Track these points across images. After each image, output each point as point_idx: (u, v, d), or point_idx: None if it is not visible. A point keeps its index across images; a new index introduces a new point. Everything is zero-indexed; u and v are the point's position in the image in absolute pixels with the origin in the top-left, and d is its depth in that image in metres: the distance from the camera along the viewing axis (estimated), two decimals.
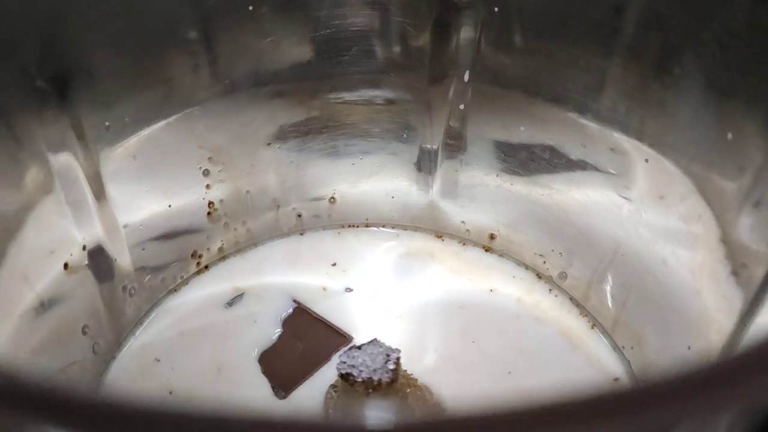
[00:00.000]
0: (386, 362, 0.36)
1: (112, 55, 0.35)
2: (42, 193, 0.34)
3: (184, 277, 0.44)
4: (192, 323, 0.42)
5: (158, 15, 0.35)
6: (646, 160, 0.38)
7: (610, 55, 0.38)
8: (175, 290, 0.44)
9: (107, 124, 0.36)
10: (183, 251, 0.44)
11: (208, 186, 0.43)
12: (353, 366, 0.36)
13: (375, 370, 0.35)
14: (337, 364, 0.36)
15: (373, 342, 0.37)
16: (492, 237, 0.47)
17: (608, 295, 0.42)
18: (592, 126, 0.40)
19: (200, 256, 0.45)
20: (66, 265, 0.35)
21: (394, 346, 0.37)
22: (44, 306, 0.33)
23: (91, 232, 0.37)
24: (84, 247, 0.37)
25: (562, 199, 0.43)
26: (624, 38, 0.36)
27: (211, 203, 0.44)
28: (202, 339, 0.41)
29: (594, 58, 0.38)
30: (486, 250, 0.47)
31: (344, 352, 0.36)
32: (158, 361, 0.40)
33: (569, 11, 0.38)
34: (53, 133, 0.33)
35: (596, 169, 0.40)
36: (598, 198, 0.41)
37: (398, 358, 0.36)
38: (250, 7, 0.39)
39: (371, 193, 0.48)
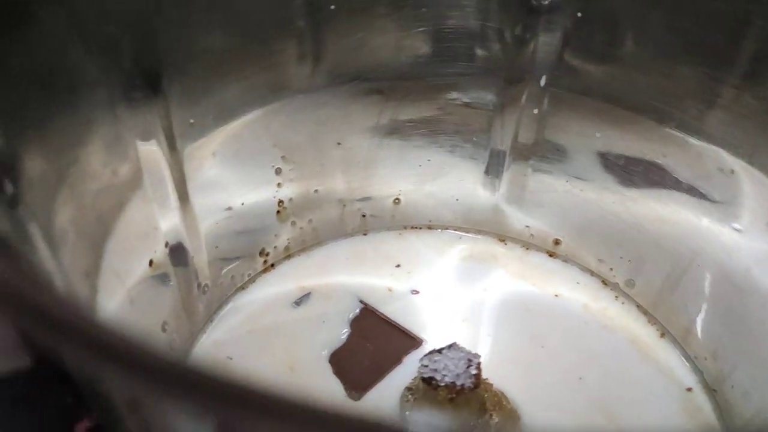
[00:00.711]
0: (468, 367, 0.35)
1: (202, 51, 0.35)
2: (132, 188, 0.34)
3: (252, 275, 0.44)
4: (261, 322, 0.42)
5: (249, 11, 0.35)
6: (732, 171, 0.38)
7: (694, 64, 0.37)
8: (243, 288, 0.44)
9: (192, 121, 0.36)
10: (252, 249, 0.44)
11: (279, 184, 0.43)
12: (435, 370, 0.35)
13: (458, 375, 0.35)
14: (419, 367, 0.36)
15: (453, 346, 0.37)
16: (557, 242, 0.47)
17: (681, 304, 0.42)
18: (672, 135, 0.39)
19: (267, 254, 0.45)
20: (151, 262, 0.35)
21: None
22: (132, 302, 0.33)
23: (173, 228, 0.37)
24: (166, 244, 0.36)
25: (635, 206, 0.43)
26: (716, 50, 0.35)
27: (281, 201, 0.44)
28: (272, 338, 0.41)
29: (679, 67, 0.38)
30: (550, 255, 0.47)
31: (425, 356, 0.36)
32: (231, 359, 0.40)
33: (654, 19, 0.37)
34: (144, 128, 0.33)
35: (675, 178, 0.40)
36: (675, 206, 0.41)
37: (479, 364, 0.36)
38: (332, 7, 0.39)
39: (436, 194, 0.48)
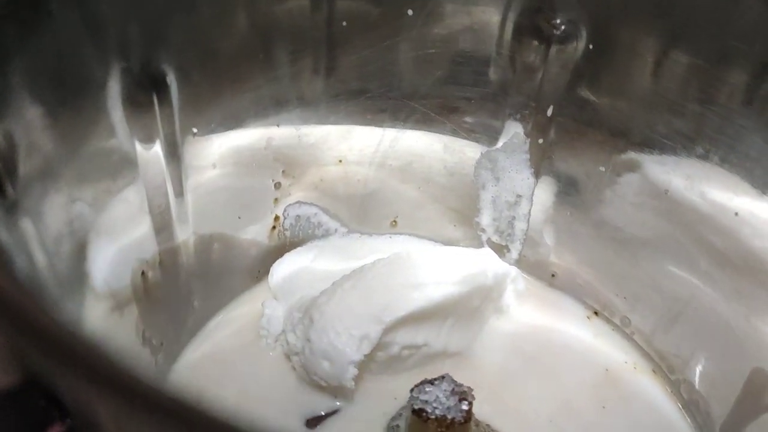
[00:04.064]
0: (460, 401, 0.35)
1: (211, 59, 0.34)
2: (130, 198, 0.33)
3: (243, 290, 0.43)
4: (248, 337, 0.41)
5: (260, 22, 0.34)
6: (736, 214, 0.37)
7: (706, 102, 0.37)
8: (233, 302, 0.43)
9: (195, 130, 0.35)
10: (244, 263, 0.42)
11: (276, 200, 0.42)
12: (426, 402, 0.35)
13: (449, 408, 0.34)
14: (410, 398, 0.35)
15: (445, 378, 0.36)
16: (553, 275, 0.46)
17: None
18: (676, 173, 0.39)
19: (258, 271, 0.44)
20: (143, 273, 0.34)
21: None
22: (122, 314, 0.32)
23: (168, 240, 0.36)
24: (160, 255, 0.35)
25: (633, 241, 0.42)
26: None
27: (276, 217, 0.43)
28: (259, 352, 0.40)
29: (690, 104, 0.37)
30: (549, 285, 0.46)
31: (416, 386, 0.35)
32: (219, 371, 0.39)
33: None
34: (146, 133, 0.33)
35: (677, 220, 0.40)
36: (674, 246, 0.41)
37: (472, 398, 0.35)
38: (344, 23, 0.38)
39: (432, 216, 0.47)
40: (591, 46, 0.39)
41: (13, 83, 0.24)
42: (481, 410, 0.38)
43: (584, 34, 0.38)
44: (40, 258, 0.24)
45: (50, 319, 0.18)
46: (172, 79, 0.33)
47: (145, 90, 0.32)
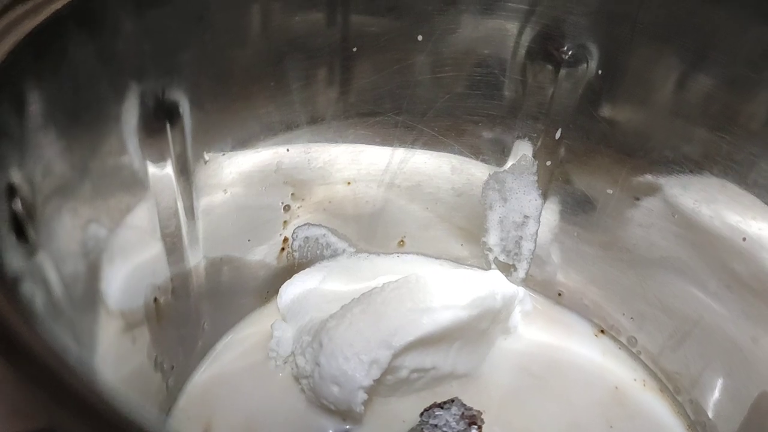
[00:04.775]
0: (470, 425, 0.35)
1: (220, 87, 0.34)
2: (143, 226, 0.33)
3: (251, 311, 0.43)
4: (257, 357, 0.41)
5: (266, 51, 0.35)
6: (744, 239, 0.37)
7: (712, 128, 0.37)
8: (241, 322, 0.43)
9: (206, 157, 0.36)
10: (253, 285, 0.43)
11: (285, 222, 0.43)
12: (436, 426, 0.35)
13: None
14: (419, 422, 0.35)
15: (455, 402, 0.36)
16: (560, 294, 0.46)
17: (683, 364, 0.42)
18: (684, 196, 0.39)
19: (267, 292, 0.44)
20: (155, 300, 0.34)
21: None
22: (134, 340, 0.32)
23: (179, 265, 0.36)
24: (171, 281, 0.36)
25: (641, 262, 0.42)
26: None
27: (285, 239, 0.43)
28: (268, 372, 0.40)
29: (697, 129, 0.38)
30: (555, 304, 0.47)
31: (426, 410, 0.36)
32: (228, 392, 0.39)
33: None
34: (159, 160, 0.33)
35: (686, 241, 0.40)
36: (682, 267, 0.41)
37: (482, 421, 0.35)
38: (354, 49, 0.38)
39: (439, 235, 0.47)
40: (600, 71, 0.39)
41: (31, 126, 0.24)
42: (490, 431, 0.38)
43: (593, 58, 0.39)
44: (54, 280, 0.24)
45: (69, 370, 0.18)
46: (185, 108, 0.33)
47: (159, 118, 0.32)
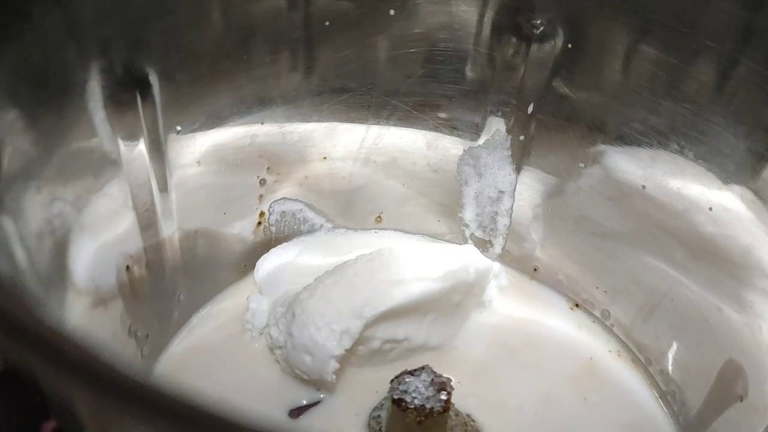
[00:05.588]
0: (439, 391, 0.35)
1: (193, 59, 0.35)
2: (114, 193, 0.33)
3: (228, 284, 0.44)
4: (233, 329, 0.42)
5: (243, 22, 0.35)
6: (710, 209, 0.38)
7: (678, 99, 0.38)
8: (219, 296, 0.43)
9: (179, 128, 0.36)
10: (230, 258, 0.43)
11: (261, 196, 0.43)
12: (405, 392, 0.35)
13: (428, 398, 0.35)
14: (390, 388, 0.36)
15: (425, 369, 0.36)
16: (535, 269, 0.47)
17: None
18: (653, 168, 0.40)
19: (245, 265, 0.44)
20: (128, 268, 0.35)
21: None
22: (107, 307, 0.32)
23: (152, 235, 0.37)
24: (144, 250, 0.36)
25: (612, 235, 0.43)
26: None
27: (262, 213, 0.44)
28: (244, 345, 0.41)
29: (664, 101, 0.38)
30: (531, 279, 0.47)
31: (396, 377, 0.36)
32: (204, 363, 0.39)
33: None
34: (130, 131, 0.33)
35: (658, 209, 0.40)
36: (650, 239, 0.41)
37: (451, 388, 0.36)
38: (327, 23, 0.39)
39: (416, 211, 0.48)
40: (570, 45, 0.39)
41: None
42: (464, 403, 0.39)
43: (562, 32, 0.39)
44: (20, 257, 0.24)
45: (30, 314, 0.18)
46: (154, 79, 0.33)
47: (128, 89, 0.32)
